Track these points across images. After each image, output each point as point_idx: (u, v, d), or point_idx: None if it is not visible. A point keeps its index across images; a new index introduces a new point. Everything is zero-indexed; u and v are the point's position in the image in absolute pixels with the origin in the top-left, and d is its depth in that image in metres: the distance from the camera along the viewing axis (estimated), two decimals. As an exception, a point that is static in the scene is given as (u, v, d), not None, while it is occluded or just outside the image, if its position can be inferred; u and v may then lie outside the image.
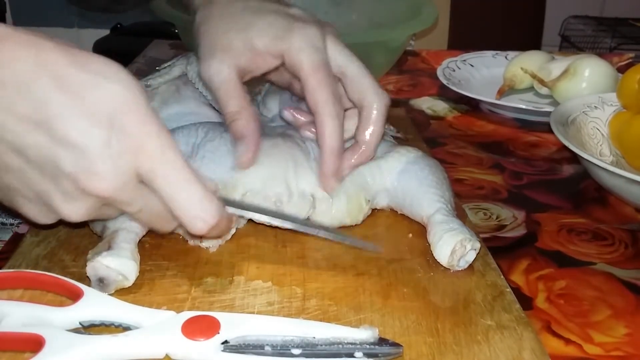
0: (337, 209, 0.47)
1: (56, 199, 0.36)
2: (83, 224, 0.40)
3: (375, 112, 0.48)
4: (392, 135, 0.60)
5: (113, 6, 0.71)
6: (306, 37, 0.46)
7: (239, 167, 0.46)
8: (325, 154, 0.46)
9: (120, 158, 0.35)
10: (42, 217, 0.39)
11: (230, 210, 0.42)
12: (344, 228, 0.48)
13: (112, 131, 0.35)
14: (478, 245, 0.44)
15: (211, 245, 0.45)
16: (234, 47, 0.47)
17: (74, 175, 0.35)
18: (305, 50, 0.46)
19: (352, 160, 0.48)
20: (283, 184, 0.46)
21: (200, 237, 0.45)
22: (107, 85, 0.35)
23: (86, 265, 0.40)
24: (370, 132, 0.48)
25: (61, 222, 0.39)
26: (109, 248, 0.40)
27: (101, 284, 0.40)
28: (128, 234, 0.42)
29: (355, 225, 0.49)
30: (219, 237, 0.44)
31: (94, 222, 0.45)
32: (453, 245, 0.43)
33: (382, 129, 0.49)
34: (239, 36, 0.47)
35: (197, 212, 0.38)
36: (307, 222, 0.46)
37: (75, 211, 0.37)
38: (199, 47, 0.49)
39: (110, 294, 0.39)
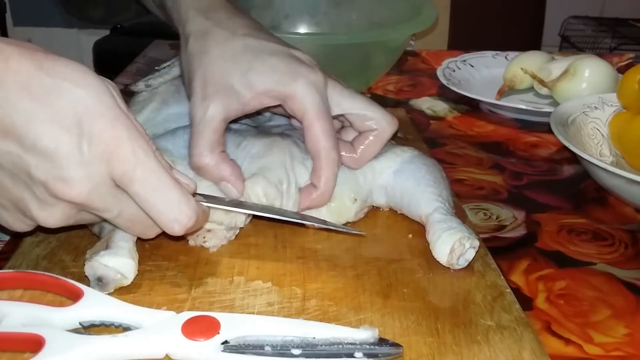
0: (320, 212, 0.48)
1: (31, 206, 0.36)
2: (64, 229, 0.40)
3: (379, 133, 0.49)
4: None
5: (110, 19, 0.71)
6: (310, 84, 0.46)
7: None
8: (317, 193, 0.47)
9: (91, 164, 0.35)
10: (19, 225, 0.39)
11: (208, 205, 0.42)
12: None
13: (82, 137, 0.35)
14: (477, 243, 0.44)
15: (212, 245, 0.45)
16: (233, 90, 0.45)
17: (46, 183, 0.35)
18: (309, 96, 0.45)
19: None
20: (283, 173, 0.47)
21: (204, 238, 0.45)
22: (74, 91, 0.35)
23: (84, 265, 0.40)
24: (366, 148, 0.49)
25: (39, 229, 0.40)
26: (107, 247, 0.40)
27: (100, 283, 0.40)
28: (125, 232, 0.42)
29: (351, 224, 0.49)
30: (194, 232, 0.45)
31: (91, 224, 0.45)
32: (452, 244, 0.43)
33: (378, 150, 0.49)
34: (241, 80, 0.45)
35: (174, 216, 0.38)
36: (285, 211, 0.46)
37: (51, 217, 0.37)
38: (191, 82, 0.46)
39: (110, 294, 0.39)
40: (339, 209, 0.48)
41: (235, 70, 0.45)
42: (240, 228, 0.47)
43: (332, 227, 0.46)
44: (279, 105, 0.47)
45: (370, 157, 0.49)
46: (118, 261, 0.40)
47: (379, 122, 0.49)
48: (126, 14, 0.71)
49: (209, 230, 0.45)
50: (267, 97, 0.46)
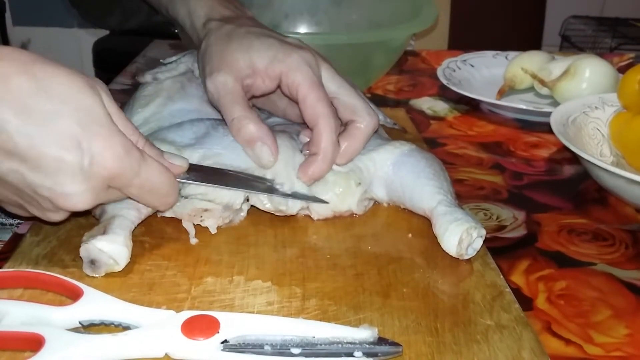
0: (326, 190, 0.48)
1: (39, 213, 0.41)
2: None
3: (363, 129, 0.50)
4: (389, 127, 0.62)
5: (126, 22, 0.74)
6: (302, 59, 0.49)
7: (264, 167, 0.48)
8: (317, 157, 0.48)
9: (92, 178, 0.38)
10: (47, 216, 0.41)
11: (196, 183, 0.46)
12: (342, 216, 0.49)
13: (82, 156, 0.38)
14: (484, 232, 0.44)
15: (210, 224, 0.46)
16: (238, 65, 0.49)
17: (50, 198, 0.38)
18: (301, 69, 0.48)
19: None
20: (284, 171, 0.48)
21: (201, 217, 0.46)
22: (73, 114, 0.38)
23: (80, 247, 0.41)
24: (351, 145, 0.49)
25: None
26: (104, 232, 0.41)
27: (92, 265, 0.41)
28: (124, 220, 0.43)
29: (355, 217, 0.49)
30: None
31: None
32: (460, 235, 0.43)
33: (362, 146, 0.50)
34: (243, 56, 0.49)
35: (162, 206, 0.44)
36: (259, 186, 0.47)
37: (59, 218, 0.41)
38: (207, 65, 0.51)
39: (110, 294, 0.39)
40: (344, 194, 0.49)
41: (239, 48, 0.50)
42: (239, 213, 0.48)
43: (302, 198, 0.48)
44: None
45: (355, 152, 0.50)
46: (113, 247, 0.41)
47: (361, 115, 0.50)
48: (139, 17, 0.73)
49: (205, 210, 0.46)
50: (267, 77, 0.49)
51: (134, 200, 0.42)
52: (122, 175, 0.39)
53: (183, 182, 0.45)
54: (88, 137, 0.38)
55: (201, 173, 0.46)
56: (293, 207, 0.48)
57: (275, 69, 0.49)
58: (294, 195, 0.47)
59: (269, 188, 0.47)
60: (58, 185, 0.38)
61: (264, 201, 0.47)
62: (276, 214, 0.48)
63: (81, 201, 0.39)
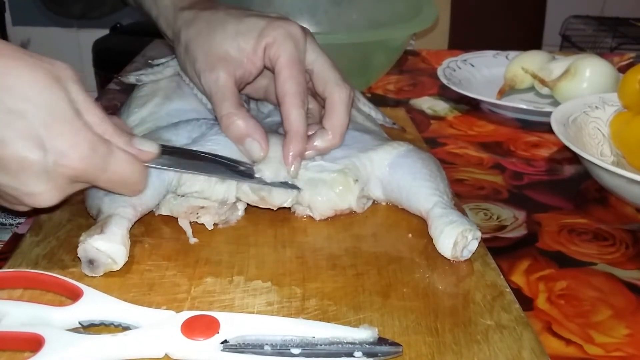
0: (326, 189, 0.48)
1: (9, 206, 0.40)
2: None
3: (337, 100, 0.50)
4: (389, 127, 0.62)
5: (89, 13, 0.73)
6: (288, 33, 0.49)
7: (255, 162, 0.48)
8: (289, 136, 0.48)
9: (57, 177, 0.38)
10: (16, 208, 0.41)
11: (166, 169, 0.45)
12: (342, 217, 0.49)
13: (46, 155, 0.37)
14: (479, 234, 0.44)
15: (206, 221, 0.46)
16: (229, 56, 0.49)
17: (17, 197, 0.39)
18: (285, 43, 0.48)
19: (316, 143, 0.49)
20: (277, 168, 0.48)
21: (197, 214, 0.46)
22: (36, 113, 0.37)
23: (78, 247, 0.41)
24: (334, 120, 0.50)
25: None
26: (101, 232, 0.41)
27: (91, 265, 0.41)
28: (121, 219, 0.43)
29: (355, 217, 0.49)
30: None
31: (90, 204, 0.46)
32: (455, 237, 0.43)
33: (347, 117, 0.50)
34: (231, 44, 0.49)
35: (131, 193, 0.43)
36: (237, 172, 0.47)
37: (25, 210, 0.41)
38: (195, 62, 0.50)
39: (110, 294, 0.39)
40: (344, 192, 0.49)
41: (225, 37, 0.49)
42: (235, 212, 0.48)
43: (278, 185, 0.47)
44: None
45: (342, 127, 0.50)
46: (110, 246, 0.41)
47: (331, 87, 0.50)
48: (102, 8, 0.73)
49: (202, 207, 0.46)
50: (256, 56, 0.49)
51: (103, 189, 0.42)
52: (89, 173, 0.39)
53: (153, 168, 0.44)
54: (52, 136, 0.37)
55: (174, 156, 0.45)
56: (277, 197, 0.47)
57: (262, 43, 0.49)
58: (272, 184, 0.47)
59: (246, 172, 0.47)
60: (23, 185, 0.37)
61: (247, 192, 0.47)
62: (260, 205, 0.48)
63: (47, 199, 0.39)
